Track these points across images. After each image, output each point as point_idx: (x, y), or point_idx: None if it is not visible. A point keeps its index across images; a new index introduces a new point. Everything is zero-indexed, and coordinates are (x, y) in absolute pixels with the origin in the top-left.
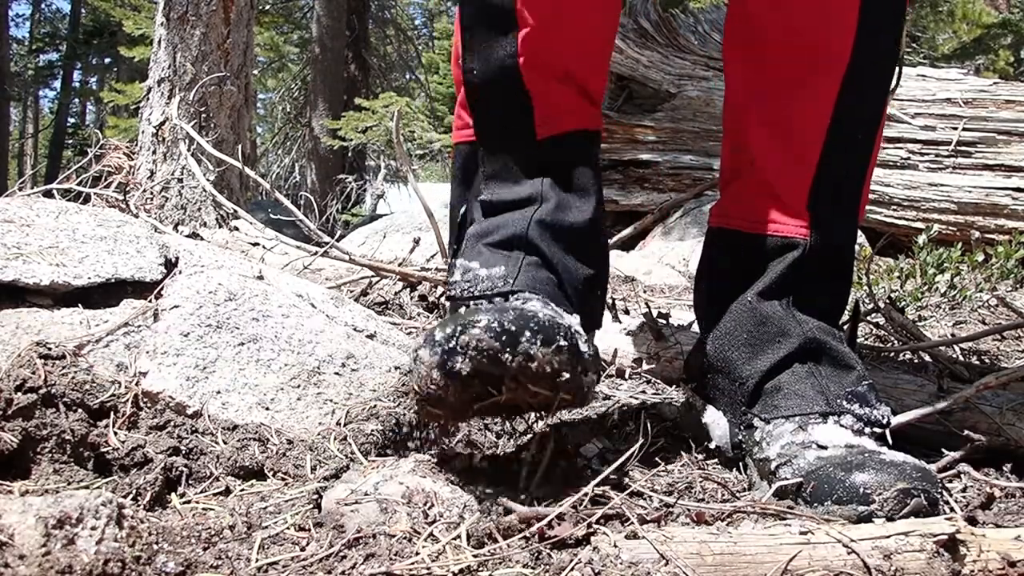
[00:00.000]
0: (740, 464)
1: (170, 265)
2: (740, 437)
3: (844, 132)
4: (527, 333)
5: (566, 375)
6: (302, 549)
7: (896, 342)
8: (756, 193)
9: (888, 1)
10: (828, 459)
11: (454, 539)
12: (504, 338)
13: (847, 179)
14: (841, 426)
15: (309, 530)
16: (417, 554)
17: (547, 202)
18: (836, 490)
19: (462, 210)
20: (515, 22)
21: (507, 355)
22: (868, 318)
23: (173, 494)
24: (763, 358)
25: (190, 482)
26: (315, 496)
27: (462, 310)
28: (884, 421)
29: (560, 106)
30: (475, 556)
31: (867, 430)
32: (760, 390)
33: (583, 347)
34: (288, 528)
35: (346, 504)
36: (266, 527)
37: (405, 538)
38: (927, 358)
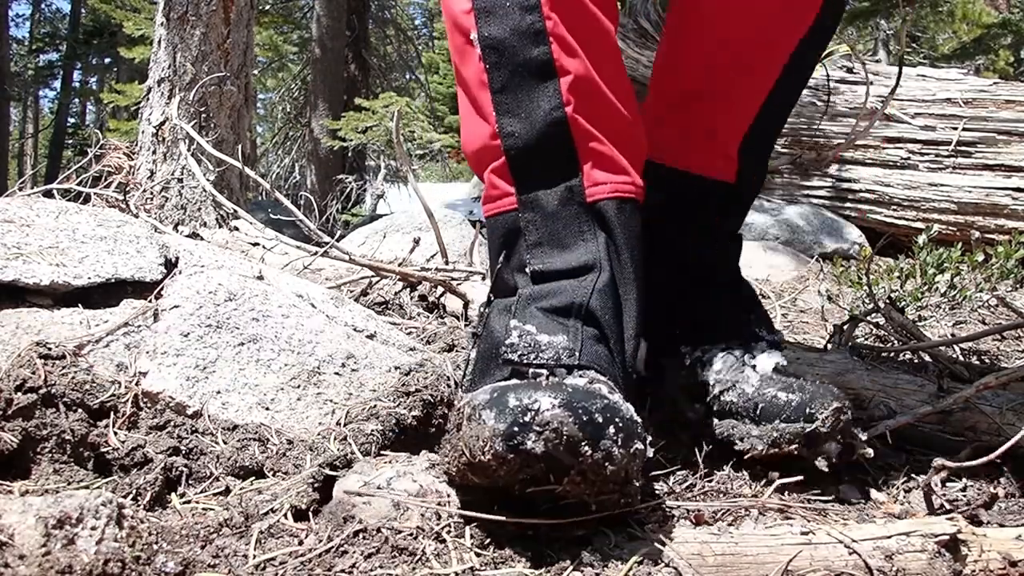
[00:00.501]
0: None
1: (170, 265)
2: (664, 362)
3: (783, 90)
4: (611, 429)
5: (636, 483)
6: (300, 543)
7: (896, 342)
8: (696, 135)
9: (840, 3)
10: (766, 382)
11: (457, 536)
12: (589, 428)
13: (772, 131)
14: (765, 352)
15: (309, 520)
16: (423, 552)
17: (604, 272)
18: (784, 410)
19: (502, 275)
20: (555, 72)
21: (587, 447)
22: (868, 318)
23: (173, 494)
24: (695, 293)
25: (190, 482)
26: (312, 480)
27: (539, 379)
28: (781, 343)
29: (607, 164)
30: (478, 557)
31: (778, 353)
32: (692, 321)
33: (649, 452)
34: (287, 518)
35: (358, 495)
36: (264, 516)
37: (410, 535)
38: (927, 358)
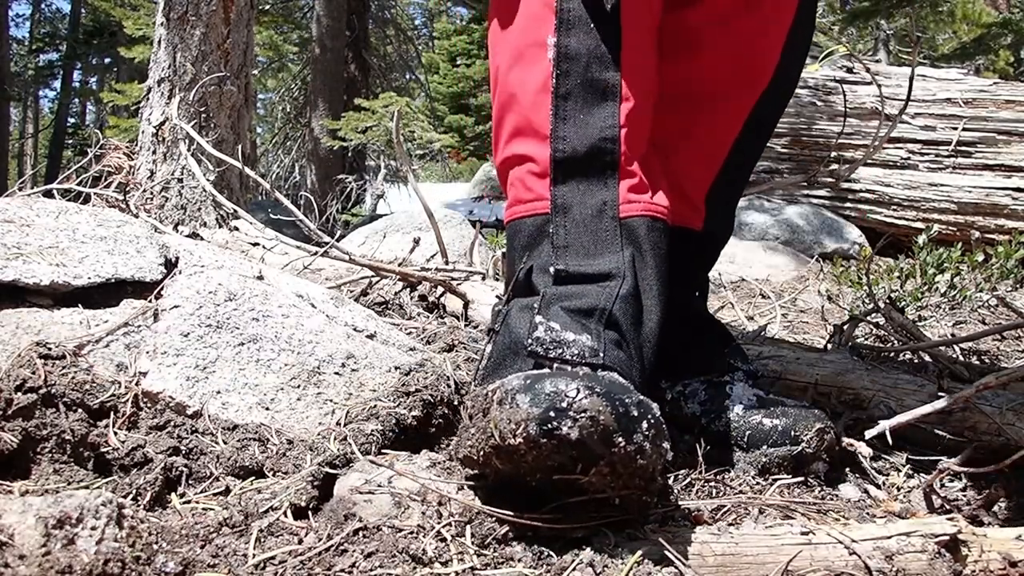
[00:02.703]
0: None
1: (170, 265)
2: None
3: (747, 143)
4: (644, 424)
5: (660, 480)
6: (300, 541)
7: (896, 342)
8: (664, 184)
9: (805, 37)
10: (750, 410)
11: (458, 535)
12: (624, 420)
13: (738, 181)
14: (743, 382)
15: (309, 518)
16: (423, 551)
17: (627, 281)
18: (770, 435)
19: (522, 276)
20: (618, 95)
21: (620, 438)
22: (868, 318)
23: (173, 494)
24: (672, 330)
25: (190, 482)
26: (311, 478)
27: (578, 369)
28: (757, 372)
29: (641, 187)
30: (479, 556)
31: (755, 382)
32: (671, 356)
33: (669, 456)
34: (287, 516)
35: (359, 492)
36: (264, 515)
37: (411, 534)
38: (927, 358)
